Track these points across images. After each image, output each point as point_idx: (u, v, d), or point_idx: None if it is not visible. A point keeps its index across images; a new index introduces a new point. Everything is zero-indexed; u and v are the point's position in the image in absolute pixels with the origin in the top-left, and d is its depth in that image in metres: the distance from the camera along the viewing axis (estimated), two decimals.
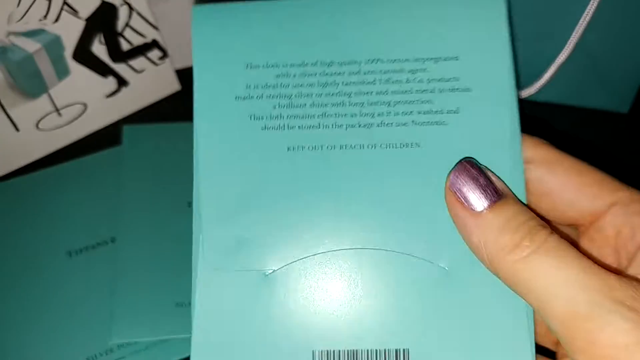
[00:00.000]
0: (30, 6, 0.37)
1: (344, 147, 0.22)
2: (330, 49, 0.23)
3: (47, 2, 0.38)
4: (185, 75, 0.46)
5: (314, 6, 0.23)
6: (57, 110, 0.42)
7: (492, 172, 0.21)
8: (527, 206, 0.20)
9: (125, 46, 0.42)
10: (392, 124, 0.22)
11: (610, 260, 0.21)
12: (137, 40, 0.43)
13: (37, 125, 0.41)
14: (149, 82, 0.45)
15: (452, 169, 0.20)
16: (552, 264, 0.17)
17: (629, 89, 0.43)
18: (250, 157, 0.22)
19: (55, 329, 0.35)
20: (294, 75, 0.23)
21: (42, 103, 0.41)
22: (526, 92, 0.43)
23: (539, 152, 0.22)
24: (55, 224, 0.38)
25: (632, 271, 0.19)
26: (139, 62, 0.43)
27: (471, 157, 0.21)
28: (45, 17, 0.38)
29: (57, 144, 0.43)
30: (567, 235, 0.22)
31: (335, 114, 0.22)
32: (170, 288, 0.35)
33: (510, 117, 0.22)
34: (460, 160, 0.21)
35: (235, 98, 0.22)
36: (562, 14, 0.41)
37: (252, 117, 0.22)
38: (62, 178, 0.41)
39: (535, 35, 0.43)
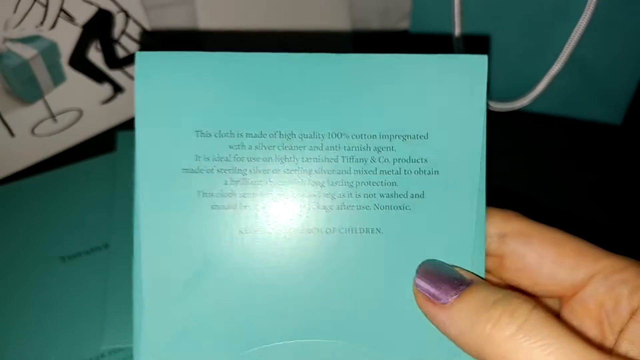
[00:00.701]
0: (27, 13, 0.37)
1: (300, 230, 0.21)
2: (292, 118, 0.20)
3: (43, 9, 0.38)
4: None
5: (277, 65, 0.21)
6: (52, 116, 0.42)
7: (455, 265, 0.20)
8: (504, 286, 0.20)
9: (121, 53, 0.43)
10: (353, 207, 0.21)
11: (592, 333, 0.20)
12: (133, 47, 0.43)
13: (32, 131, 0.42)
14: None
15: (416, 273, 0.20)
16: (539, 344, 0.16)
17: (622, 101, 0.44)
18: (199, 238, 0.20)
19: (47, 334, 0.35)
20: (250, 147, 0.20)
21: (37, 109, 0.41)
22: (519, 104, 0.43)
23: (512, 225, 0.21)
24: (49, 229, 0.39)
25: (622, 348, 0.18)
26: (134, 69, 0.44)
27: (432, 260, 0.21)
28: (41, 23, 0.38)
29: (52, 149, 0.43)
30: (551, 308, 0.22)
31: (293, 194, 0.20)
32: None
33: (477, 203, 0.21)
34: (420, 264, 0.20)
35: (183, 170, 0.20)
36: (555, 26, 0.42)
37: (202, 194, 0.20)
38: (57, 184, 0.41)
39: (528, 46, 0.43)
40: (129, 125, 0.45)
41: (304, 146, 0.21)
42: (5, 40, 0.37)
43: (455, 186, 0.21)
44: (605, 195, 0.41)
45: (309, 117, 0.21)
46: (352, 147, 0.21)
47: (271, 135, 0.20)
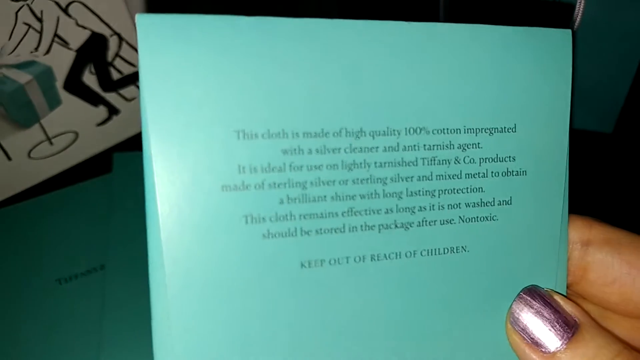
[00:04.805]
0: (22, 39, 0.38)
1: (376, 257, 0.16)
2: (360, 111, 0.16)
3: (38, 35, 0.38)
4: None
5: (333, 34, 0.15)
6: (48, 139, 0.42)
7: (559, 294, 0.17)
8: (608, 331, 0.17)
9: (115, 75, 0.43)
10: (435, 221, 0.16)
11: None
12: (128, 70, 0.43)
13: (29, 154, 0.42)
14: (140, 111, 0.45)
15: (512, 302, 0.17)
16: None
17: (613, 110, 0.44)
18: (246, 282, 0.15)
19: (44, 357, 0.35)
20: (309, 151, 0.15)
21: (34, 132, 0.41)
22: None
23: (596, 231, 0.18)
24: (45, 251, 0.39)
25: None
26: (129, 90, 0.44)
27: (532, 285, 0.17)
28: (36, 49, 0.39)
29: (48, 172, 0.44)
30: None
31: (366, 210, 0.16)
32: None
33: (562, 208, 0.18)
34: (519, 292, 0.17)
35: (222, 188, 0.15)
36: None
37: (249, 219, 0.15)
38: (53, 206, 0.41)
39: None
40: (124, 146, 0.45)
41: (377, 147, 0.16)
42: (1, 66, 0.38)
43: (542, 188, 0.18)
44: (597, 202, 0.41)
45: (379, 107, 0.16)
46: (434, 145, 0.16)
47: (335, 134, 0.15)
